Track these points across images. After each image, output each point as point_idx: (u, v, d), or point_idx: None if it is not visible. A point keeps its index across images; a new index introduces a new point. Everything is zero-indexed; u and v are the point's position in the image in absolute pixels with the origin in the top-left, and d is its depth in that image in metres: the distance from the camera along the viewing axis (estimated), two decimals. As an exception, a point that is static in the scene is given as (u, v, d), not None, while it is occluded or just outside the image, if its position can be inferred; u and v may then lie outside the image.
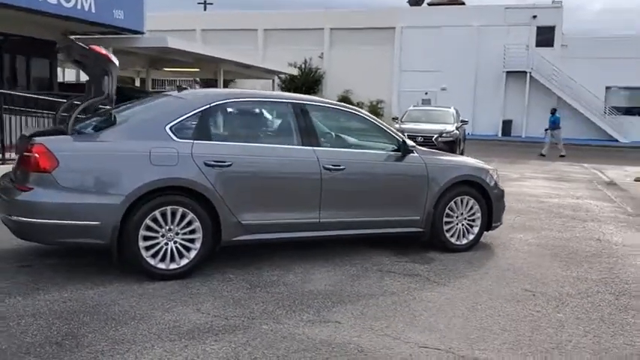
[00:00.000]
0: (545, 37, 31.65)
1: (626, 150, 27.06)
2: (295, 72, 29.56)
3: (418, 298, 4.44)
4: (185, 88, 5.40)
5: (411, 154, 5.65)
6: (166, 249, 4.55)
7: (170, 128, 4.65)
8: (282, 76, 29.60)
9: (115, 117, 4.60)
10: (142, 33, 14.12)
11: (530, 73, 30.91)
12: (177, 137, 4.65)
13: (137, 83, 27.10)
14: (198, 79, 29.83)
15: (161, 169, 4.51)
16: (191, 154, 4.62)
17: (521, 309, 4.30)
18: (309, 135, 5.20)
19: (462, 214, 5.93)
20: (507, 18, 32.05)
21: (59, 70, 18.44)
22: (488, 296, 4.55)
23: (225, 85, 23.57)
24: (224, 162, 4.70)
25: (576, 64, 30.71)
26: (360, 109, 5.80)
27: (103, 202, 4.33)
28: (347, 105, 5.74)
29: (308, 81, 33.20)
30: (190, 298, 4.20)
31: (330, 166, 5.16)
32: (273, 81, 27.79)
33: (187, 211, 4.57)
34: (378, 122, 5.75)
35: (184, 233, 4.60)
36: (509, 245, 6.34)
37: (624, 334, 3.89)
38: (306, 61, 34.55)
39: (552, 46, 31.66)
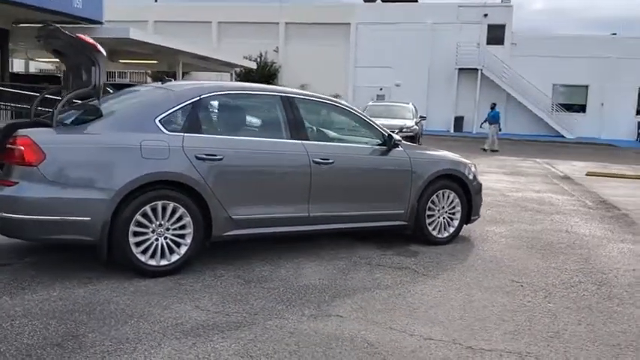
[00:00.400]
0: (496, 35, 32.49)
1: (571, 145, 28.09)
2: (253, 65, 29.29)
3: (412, 291, 4.48)
4: (169, 80, 5.26)
5: (396, 149, 5.69)
6: (156, 245, 4.43)
7: (160, 121, 4.52)
8: (238, 69, 29.26)
9: (100, 109, 4.43)
10: (101, 23, 13.66)
11: (481, 70, 31.68)
12: (168, 130, 4.52)
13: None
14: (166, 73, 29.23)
15: (152, 163, 4.38)
16: (182, 147, 4.50)
17: (513, 300, 4.40)
18: (297, 128, 5.16)
19: (443, 207, 6.02)
20: (460, 16, 32.72)
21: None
22: (478, 288, 4.64)
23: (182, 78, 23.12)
24: (215, 155, 4.61)
25: (525, 62, 31.67)
26: (346, 103, 5.80)
27: (93, 197, 4.17)
28: (333, 99, 5.72)
29: (264, 75, 32.96)
30: (186, 295, 4.11)
31: (320, 160, 5.13)
32: (231, 74, 27.45)
33: (178, 205, 4.46)
34: (364, 116, 5.76)
35: (175, 229, 4.49)
36: (486, 238, 6.48)
37: (614, 322, 4.04)
38: (261, 55, 34.30)
39: (502, 44, 32.53)
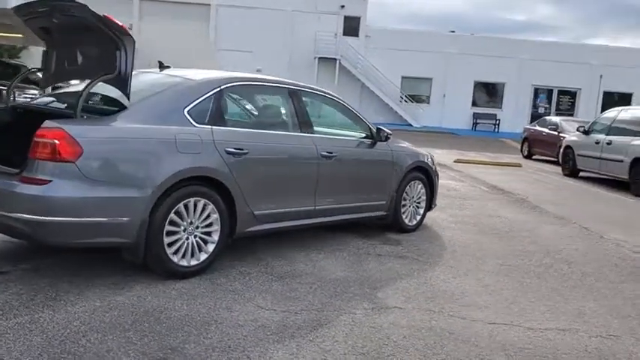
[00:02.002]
0: (352, 26, 33.83)
1: (418, 133, 30.37)
2: None
3: (432, 278, 4.73)
4: (168, 67, 4.90)
5: (380, 142, 5.89)
6: (187, 244, 4.17)
7: (188, 112, 4.23)
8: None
9: (126, 99, 4.01)
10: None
11: (339, 60, 32.84)
12: (196, 122, 4.25)
13: None
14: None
15: (187, 157, 4.10)
16: (213, 141, 4.26)
17: (517, 282, 4.86)
18: (305, 121, 5.14)
19: (412, 197, 6.36)
20: (318, 6, 33.48)
21: None
22: (481, 272, 5.04)
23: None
24: (242, 149, 4.43)
25: (378, 54, 33.46)
26: (337, 95, 5.84)
27: (132, 194, 3.80)
28: (330, 92, 5.73)
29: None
30: (236, 295, 3.94)
31: (325, 154, 5.16)
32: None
33: (208, 202, 4.23)
34: (354, 110, 5.86)
35: (203, 227, 4.26)
36: (439, 224, 6.94)
37: (610, 296, 4.68)
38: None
39: (357, 35, 33.97)
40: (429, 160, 6.58)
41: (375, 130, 5.82)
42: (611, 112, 13.95)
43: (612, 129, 13.03)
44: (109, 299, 3.68)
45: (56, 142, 3.53)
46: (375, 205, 5.88)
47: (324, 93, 5.65)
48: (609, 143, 12.74)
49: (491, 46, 35.22)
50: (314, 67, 33.16)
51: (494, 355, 3.34)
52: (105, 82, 3.94)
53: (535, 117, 36.63)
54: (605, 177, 13.28)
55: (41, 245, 4.24)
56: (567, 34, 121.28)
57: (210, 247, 4.31)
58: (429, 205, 6.64)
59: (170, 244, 4.05)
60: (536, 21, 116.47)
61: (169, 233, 4.04)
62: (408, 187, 6.24)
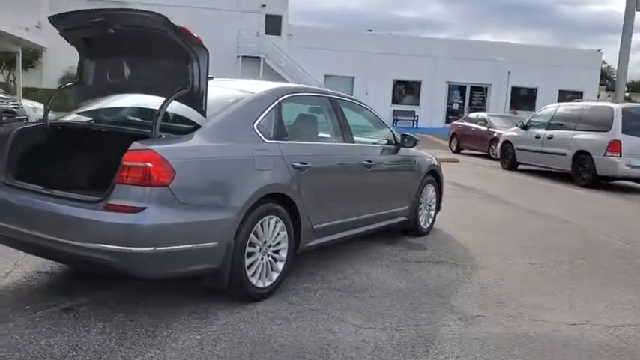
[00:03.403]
0: (274, 25, 33.63)
1: (345, 131, 30.94)
2: (45, 42, 25.51)
3: (483, 283, 4.80)
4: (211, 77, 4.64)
5: (403, 147, 5.90)
6: (262, 264, 3.99)
7: (257, 127, 4.04)
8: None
9: (202, 117, 3.75)
10: None
11: (263, 59, 32.56)
12: (264, 137, 4.07)
13: None
14: None
15: (264, 175, 3.92)
16: (282, 156, 4.10)
17: (555, 280, 5.06)
18: (348, 131, 5.07)
19: (426, 200, 6.45)
20: (239, 4, 32.99)
21: None
22: (520, 274, 5.19)
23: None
24: (305, 163, 4.30)
25: (301, 53, 33.48)
26: (364, 102, 5.78)
27: (220, 217, 3.57)
28: (356, 98, 5.65)
29: (28, 55, 28.72)
30: (319, 315, 3.80)
31: (367, 162, 5.12)
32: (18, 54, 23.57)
33: (279, 219, 4.07)
34: (378, 115, 5.83)
35: (274, 245, 4.09)
36: (440, 225, 6.95)
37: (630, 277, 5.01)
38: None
39: (280, 34, 33.85)
40: (437, 162, 6.70)
41: (399, 137, 5.83)
42: (549, 109, 14.84)
43: (552, 124, 13.84)
44: (205, 330, 3.44)
45: (149, 165, 3.25)
46: (401, 211, 5.90)
47: (354, 100, 5.59)
48: (550, 138, 13.53)
49: (408, 45, 36.34)
50: (238, 65, 32.67)
51: (603, 357, 3.47)
52: (176, 99, 3.66)
53: (450, 112, 38.32)
54: (543, 169, 14.11)
55: (104, 276, 3.92)
56: (456, 31, 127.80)
57: (280, 266, 4.15)
58: (438, 208, 6.75)
59: (249, 266, 3.86)
60: (427, 18, 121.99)
61: (248, 254, 3.84)
62: (423, 190, 6.32)
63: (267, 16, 33.55)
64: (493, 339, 3.61)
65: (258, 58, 32.45)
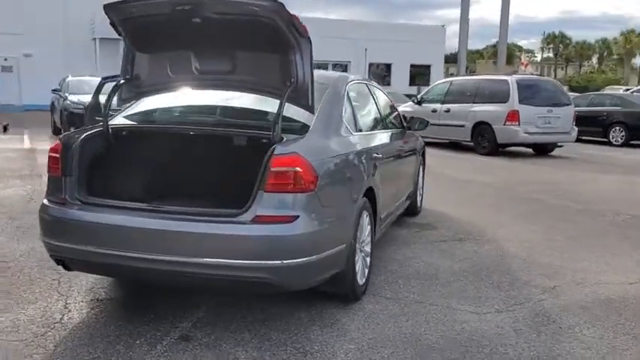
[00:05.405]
0: (130, 4, 31.47)
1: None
2: None
3: (522, 255, 5.02)
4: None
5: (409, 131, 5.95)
6: (359, 261, 3.85)
7: (345, 120, 3.86)
8: None
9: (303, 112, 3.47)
10: None
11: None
12: (351, 130, 3.90)
13: None
14: None
15: (363, 169, 3.78)
16: (368, 148, 3.97)
17: (568, 241, 5.51)
18: (384, 117, 5.02)
19: (419, 180, 6.60)
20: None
21: None
22: (537, 242, 5.56)
23: None
24: (379, 154, 4.20)
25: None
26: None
27: (347, 218, 3.40)
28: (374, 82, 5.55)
29: None
30: (432, 307, 3.78)
31: (400, 147, 5.15)
32: None
33: (368, 213, 3.96)
34: (390, 99, 5.78)
35: (363, 241, 3.98)
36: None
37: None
38: None
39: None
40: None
41: (406, 120, 5.86)
42: (442, 84, 15.75)
43: (447, 98, 14.74)
44: (349, 339, 3.27)
45: (298, 169, 2.98)
46: (410, 192, 5.99)
47: (376, 84, 5.51)
48: (447, 111, 14.41)
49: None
50: (93, 48, 30.23)
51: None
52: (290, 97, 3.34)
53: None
54: (437, 141, 14.86)
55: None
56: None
57: (368, 261, 4.04)
58: (423, 187, 6.95)
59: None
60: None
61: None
62: (420, 171, 6.46)
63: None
64: (592, 306, 3.86)
65: (118, 39, 30.15)
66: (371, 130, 4.57)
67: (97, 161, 3.49)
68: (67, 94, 15.04)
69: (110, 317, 3.49)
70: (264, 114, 3.78)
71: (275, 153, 2.98)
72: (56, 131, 15.15)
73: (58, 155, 3.33)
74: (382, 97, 5.34)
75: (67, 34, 29.86)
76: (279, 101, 3.34)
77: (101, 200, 3.25)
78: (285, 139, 3.21)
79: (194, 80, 3.70)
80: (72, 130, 13.50)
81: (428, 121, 6.02)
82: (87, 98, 14.00)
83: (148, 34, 3.57)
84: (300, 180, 2.99)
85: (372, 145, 4.21)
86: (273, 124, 3.19)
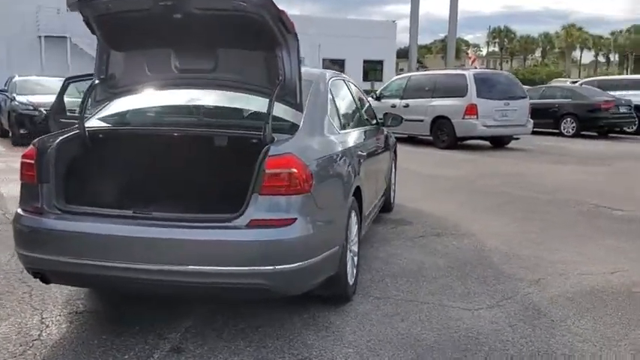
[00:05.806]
0: None
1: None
2: None
3: (509, 249, 5.02)
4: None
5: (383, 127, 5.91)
6: (349, 262, 3.77)
7: (330, 117, 3.76)
8: None
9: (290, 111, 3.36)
10: None
11: (70, 38, 29.32)
12: (337, 128, 3.81)
13: None
14: None
15: (352, 168, 3.70)
16: (354, 146, 3.89)
17: (543, 233, 5.59)
18: (362, 113, 4.95)
19: (392, 176, 6.59)
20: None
21: None
22: (512, 235, 5.62)
23: None
24: (363, 151, 4.13)
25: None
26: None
27: (339, 219, 3.31)
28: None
29: None
30: (425, 306, 3.75)
31: (378, 144, 5.10)
32: None
33: (356, 212, 3.88)
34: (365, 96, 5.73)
35: (353, 240, 3.90)
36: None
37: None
38: None
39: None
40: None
41: (380, 116, 5.81)
42: (400, 80, 15.85)
43: (406, 94, 14.85)
44: (345, 342, 3.19)
45: (294, 170, 2.87)
46: (385, 188, 5.96)
47: (351, 80, 5.43)
48: (406, 106, 14.49)
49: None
50: (39, 46, 29.10)
51: (667, 297, 3.99)
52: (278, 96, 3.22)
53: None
54: (399, 136, 14.96)
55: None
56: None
57: (355, 260, 3.97)
58: (395, 182, 6.93)
59: (345, 266, 3.64)
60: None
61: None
62: (392, 167, 6.43)
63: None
64: (578, 297, 3.91)
65: (64, 37, 29.17)
66: (353, 128, 4.49)
67: (75, 167, 3.29)
68: (14, 95, 14.37)
69: (93, 331, 3.30)
70: (252, 113, 3.65)
71: (269, 154, 2.87)
72: (3, 133, 14.48)
73: (32, 161, 3.12)
74: (358, 93, 5.27)
75: (10, 31, 28.60)
76: (266, 100, 3.23)
77: (81, 208, 3.06)
78: (276, 139, 3.10)
79: (174, 79, 3.53)
80: (22, 131, 12.84)
81: (402, 117, 5.97)
82: (36, 99, 13.83)
83: (125, 31, 3.38)
84: (296, 181, 2.89)
85: (357, 142, 4.15)
86: (264, 123, 3.07)
